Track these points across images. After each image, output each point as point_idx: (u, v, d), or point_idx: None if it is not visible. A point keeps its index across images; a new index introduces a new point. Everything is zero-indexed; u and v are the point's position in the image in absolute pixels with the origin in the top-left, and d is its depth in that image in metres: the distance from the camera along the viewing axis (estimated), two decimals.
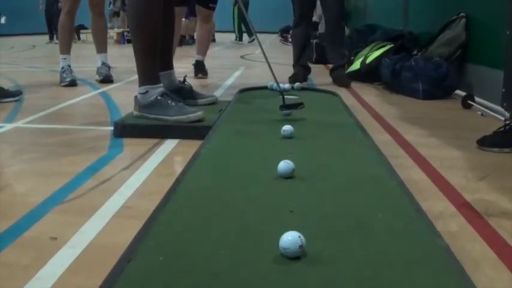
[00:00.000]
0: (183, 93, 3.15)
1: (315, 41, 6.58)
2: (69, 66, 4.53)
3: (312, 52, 6.48)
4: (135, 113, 2.78)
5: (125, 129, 2.65)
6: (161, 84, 2.77)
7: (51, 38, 12.76)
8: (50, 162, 2.04)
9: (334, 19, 4.76)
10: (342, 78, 4.73)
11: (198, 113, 2.67)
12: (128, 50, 2.96)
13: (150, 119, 2.70)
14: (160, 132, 2.62)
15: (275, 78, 2.93)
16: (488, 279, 1.22)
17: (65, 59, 4.53)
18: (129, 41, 11.57)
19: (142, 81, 2.75)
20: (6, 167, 2.16)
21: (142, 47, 2.73)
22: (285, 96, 2.78)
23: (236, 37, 13.73)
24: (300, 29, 4.82)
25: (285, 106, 2.71)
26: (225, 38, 13.42)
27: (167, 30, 2.99)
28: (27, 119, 3.07)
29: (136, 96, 2.77)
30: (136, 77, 2.82)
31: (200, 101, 3.20)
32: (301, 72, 4.81)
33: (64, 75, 4.50)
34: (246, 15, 3.31)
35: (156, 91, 2.72)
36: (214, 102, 3.26)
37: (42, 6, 13.23)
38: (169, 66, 3.18)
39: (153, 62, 2.75)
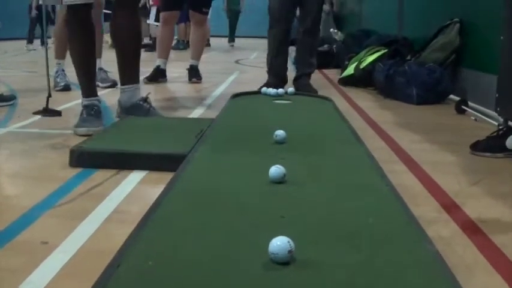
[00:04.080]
0: (135, 113, 2.96)
1: None
2: (63, 70, 4.53)
3: None
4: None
5: (82, 158, 2.18)
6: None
7: (29, 42, 12.51)
8: (43, 167, 2.03)
9: (311, 27, 4.52)
10: (306, 87, 4.41)
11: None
12: None
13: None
14: (125, 161, 2.17)
15: None
16: (480, 285, 1.22)
17: (59, 63, 4.54)
18: None
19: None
20: None
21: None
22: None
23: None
24: (274, 31, 4.46)
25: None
26: (220, 43, 13.41)
27: (124, 41, 2.98)
28: (21, 124, 3.06)
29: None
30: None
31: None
32: (272, 82, 4.32)
33: (58, 79, 4.50)
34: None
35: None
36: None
37: (34, 11, 12.90)
38: (129, 81, 3.03)
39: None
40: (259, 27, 15.83)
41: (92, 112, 2.81)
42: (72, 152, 2.18)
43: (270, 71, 4.56)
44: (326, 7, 9.20)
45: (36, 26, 12.39)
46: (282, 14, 4.43)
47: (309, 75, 4.62)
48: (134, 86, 3.04)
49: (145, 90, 3.27)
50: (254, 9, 15.20)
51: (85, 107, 2.83)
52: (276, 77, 4.48)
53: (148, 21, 8.43)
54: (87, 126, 2.71)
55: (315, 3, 4.47)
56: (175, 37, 9.42)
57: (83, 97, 2.86)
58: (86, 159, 2.16)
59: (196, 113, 3.49)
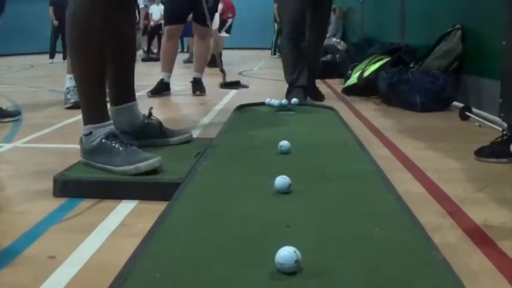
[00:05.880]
0: (149, 132, 2.47)
1: None
2: (75, 87, 4.29)
3: None
4: (82, 159, 2.20)
5: (66, 188, 1.99)
6: (109, 122, 2.15)
7: (52, 57, 12.53)
8: (48, 181, 2.03)
9: (323, 32, 4.72)
10: (315, 91, 4.62)
11: (150, 161, 2.01)
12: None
13: (96, 168, 2.10)
14: (113, 190, 1.96)
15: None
16: None
17: (71, 78, 4.20)
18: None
19: (85, 119, 2.16)
20: (4, 186, 2.16)
21: (85, 72, 2.13)
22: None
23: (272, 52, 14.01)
24: (294, 43, 4.27)
25: (225, 84, 2.46)
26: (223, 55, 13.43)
27: (124, 48, 2.42)
28: (26, 139, 3.07)
29: (81, 138, 2.19)
30: (138, 94, 2.60)
31: (172, 139, 2.50)
32: (301, 96, 4.14)
33: (68, 96, 4.31)
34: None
35: (100, 132, 2.11)
36: (188, 141, 2.56)
37: (55, 21, 12.64)
38: (130, 98, 2.47)
39: (98, 93, 2.15)
40: (260, 37, 15.93)
41: (124, 140, 2.13)
42: (56, 181, 2.00)
43: (295, 85, 4.32)
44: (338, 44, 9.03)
45: (57, 40, 12.34)
46: (297, 20, 4.27)
47: (314, 81, 4.72)
48: (135, 103, 2.49)
49: (149, 104, 3.25)
50: (255, 19, 15.30)
51: (110, 137, 2.12)
52: (304, 90, 4.33)
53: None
54: (145, 159, 2.03)
55: (327, 2, 4.58)
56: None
57: (99, 122, 2.13)
58: (71, 188, 1.98)
59: (201, 126, 3.50)
